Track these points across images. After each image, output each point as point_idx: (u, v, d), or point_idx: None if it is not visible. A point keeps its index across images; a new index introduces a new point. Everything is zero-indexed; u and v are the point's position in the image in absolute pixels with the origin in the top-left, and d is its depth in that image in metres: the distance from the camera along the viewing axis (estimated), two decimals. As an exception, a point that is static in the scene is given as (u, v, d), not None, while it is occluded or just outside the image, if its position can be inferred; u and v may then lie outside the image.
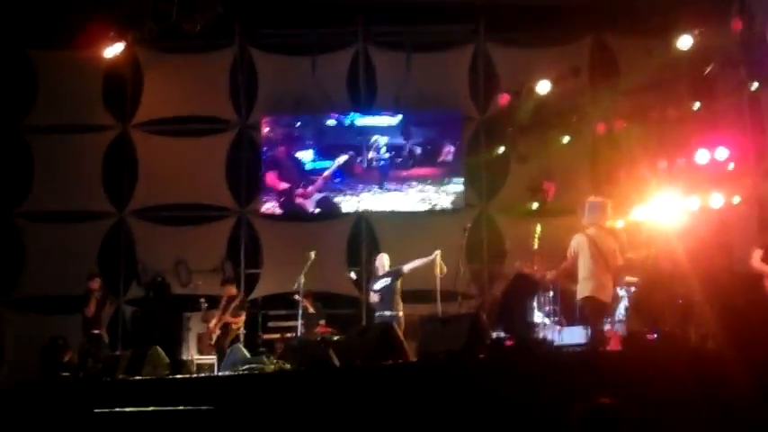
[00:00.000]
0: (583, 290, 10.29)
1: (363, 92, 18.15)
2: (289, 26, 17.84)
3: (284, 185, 17.66)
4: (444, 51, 18.07)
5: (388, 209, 17.60)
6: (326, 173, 17.64)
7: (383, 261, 13.15)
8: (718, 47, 14.05)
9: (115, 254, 17.59)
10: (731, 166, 14.44)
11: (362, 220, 17.75)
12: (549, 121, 16.47)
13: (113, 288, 16.98)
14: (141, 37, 15.25)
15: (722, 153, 14.29)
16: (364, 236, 17.83)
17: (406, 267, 12.72)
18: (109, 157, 17.83)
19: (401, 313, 12.52)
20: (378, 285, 12.80)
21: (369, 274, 17.48)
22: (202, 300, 15.33)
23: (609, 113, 16.29)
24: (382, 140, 17.67)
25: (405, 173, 17.67)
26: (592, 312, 10.28)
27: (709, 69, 14.31)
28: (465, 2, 16.98)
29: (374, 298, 12.81)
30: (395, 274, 12.72)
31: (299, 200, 17.64)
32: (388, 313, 12.43)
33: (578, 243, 10.49)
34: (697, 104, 15.11)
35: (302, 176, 17.73)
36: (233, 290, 14.76)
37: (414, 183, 17.63)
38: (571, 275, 10.87)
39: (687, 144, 14.94)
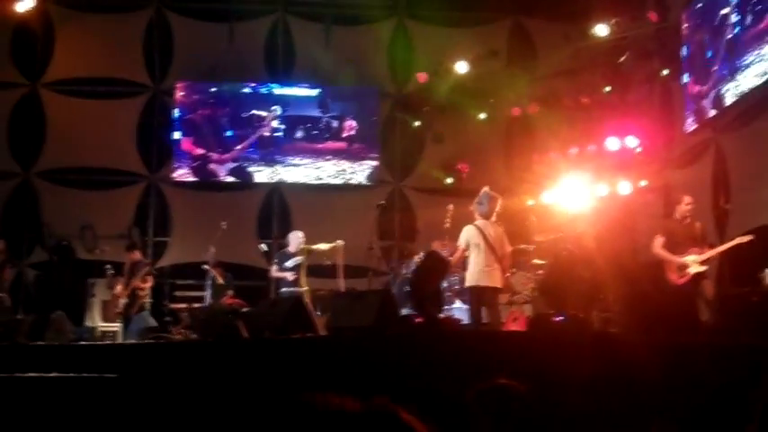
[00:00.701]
0: (472, 279, 10.79)
1: (281, 62, 17.99)
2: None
3: (199, 151, 17.45)
4: (364, 25, 18.01)
5: (301, 181, 17.50)
6: (246, 142, 17.48)
7: (298, 238, 13.26)
8: (633, 37, 14.34)
9: (19, 215, 17.15)
10: (639, 150, 14.77)
11: (275, 192, 17.64)
12: (465, 102, 16.62)
13: (17, 251, 16.56)
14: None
15: (632, 141, 14.60)
16: (276, 208, 17.74)
17: (314, 247, 13.06)
18: (16, 116, 17.35)
19: (306, 288, 12.81)
20: (291, 263, 12.91)
21: (280, 247, 17.48)
22: (108, 266, 15.04)
23: (524, 97, 16.50)
24: (279, 111, 17.58)
25: (320, 146, 17.60)
26: (486, 299, 10.59)
27: (623, 58, 14.59)
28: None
29: (286, 275, 12.91)
30: (305, 253, 12.98)
31: (212, 166, 17.45)
32: (294, 289, 12.66)
33: (468, 234, 11.02)
34: (608, 88, 15.40)
35: (219, 143, 17.54)
36: (137, 255, 14.49)
37: (329, 156, 17.57)
38: (463, 264, 11.26)
39: (598, 131, 15.23)
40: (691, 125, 13.45)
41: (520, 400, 3.96)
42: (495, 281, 10.81)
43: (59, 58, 17.43)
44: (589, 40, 14.46)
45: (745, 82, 11.72)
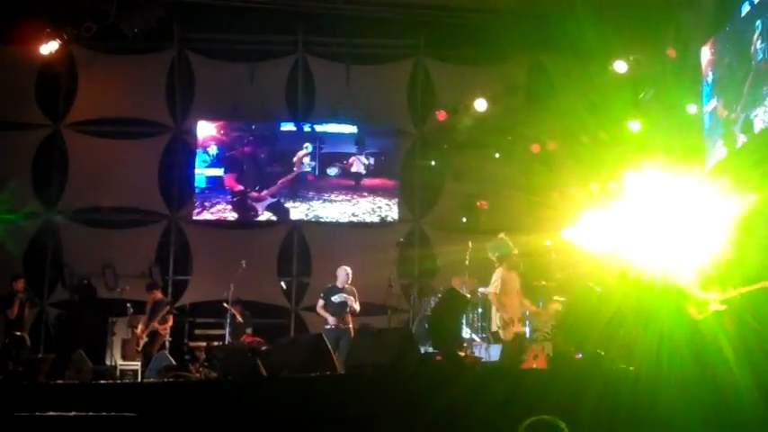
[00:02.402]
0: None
1: (301, 101, 18.09)
2: (229, 32, 17.71)
3: (240, 187, 17.51)
4: (383, 65, 18.10)
5: (336, 218, 17.52)
6: (285, 179, 17.54)
7: (346, 273, 13.35)
8: (652, 73, 14.34)
9: (41, 255, 17.24)
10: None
11: (295, 231, 17.67)
12: (484, 140, 16.64)
13: (38, 290, 16.66)
14: (78, 35, 15.06)
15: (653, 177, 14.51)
16: (296, 247, 17.75)
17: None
18: (39, 156, 17.51)
19: (349, 326, 12.99)
20: (337, 298, 13.05)
21: (300, 285, 17.47)
22: (129, 305, 15.12)
23: (543, 134, 16.49)
24: (310, 148, 17.65)
25: (355, 183, 17.66)
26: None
27: (644, 95, 14.57)
28: (405, 17, 17.05)
29: (327, 316, 13.03)
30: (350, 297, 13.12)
31: (251, 202, 17.52)
32: (342, 326, 12.88)
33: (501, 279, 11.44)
34: (637, 124, 15.36)
35: (258, 180, 17.62)
36: (158, 294, 14.57)
37: (365, 193, 17.61)
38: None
39: (619, 167, 15.16)
40: (718, 153, 13.21)
41: None
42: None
43: (82, 98, 17.61)
44: (608, 77, 14.45)
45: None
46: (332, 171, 17.62)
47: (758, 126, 11.75)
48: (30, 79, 17.30)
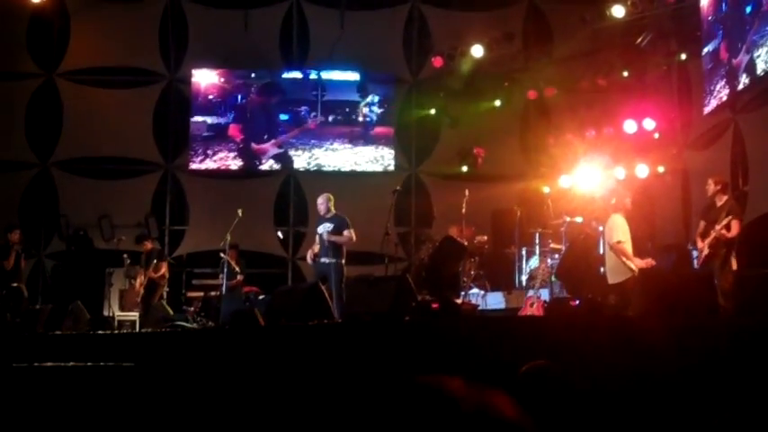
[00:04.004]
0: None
1: (296, 49, 17.93)
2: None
3: (243, 137, 17.46)
4: (379, 10, 17.92)
5: (339, 166, 17.49)
6: (296, 130, 17.46)
7: (322, 201, 12.33)
8: (650, 17, 14.19)
9: (37, 206, 17.21)
10: (657, 136, 14.65)
11: (291, 180, 17.62)
12: (480, 87, 16.53)
13: (34, 241, 16.64)
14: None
15: (649, 124, 14.49)
16: (292, 196, 17.72)
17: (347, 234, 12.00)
18: (33, 106, 17.39)
19: (343, 261, 11.96)
20: (320, 229, 12.12)
21: (297, 234, 17.47)
22: (125, 255, 15.12)
23: (540, 80, 16.40)
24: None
25: (358, 130, 17.58)
26: None
27: (640, 40, 14.45)
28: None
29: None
30: (338, 223, 11.96)
31: (256, 149, 17.50)
32: (327, 260, 11.88)
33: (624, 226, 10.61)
34: (625, 72, 15.27)
35: (265, 129, 17.57)
36: (149, 245, 14.59)
37: (367, 142, 17.56)
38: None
39: (616, 114, 15.12)
40: (717, 96, 13.07)
41: (563, 379, 4.11)
42: None
43: (75, 47, 17.44)
44: (606, 22, 14.30)
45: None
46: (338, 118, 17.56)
47: (760, 67, 11.66)
48: (21, 28, 17.15)
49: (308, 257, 12.39)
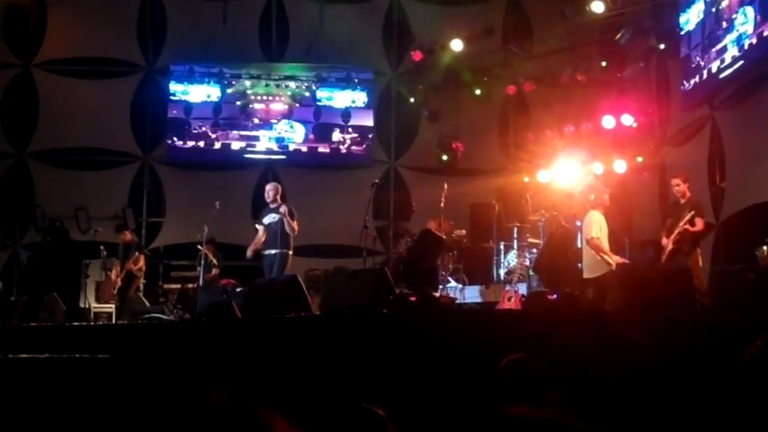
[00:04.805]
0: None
1: (275, 41, 17.87)
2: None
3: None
4: (358, 4, 17.88)
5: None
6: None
7: (269, 189, 12.18)
8: (629, 13, 14.24)
9: (12, 196, 17.06)
10: (635, 128, 14.70)
11: (269, 172, 17.56)
12: (460, 80, 16.54)
13: (10, 232, 16.52)
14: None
15: (628, 119, 14.54)
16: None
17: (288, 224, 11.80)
18: (8, 97, 17.26)
19: (290, 252, 11.86)
20: (267, 219, 12.02)
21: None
22: (102, 247, 15.02)
23: (519, 75, 16.42)
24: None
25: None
26: None
27: (619, 36, 14.49)
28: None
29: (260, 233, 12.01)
30: (288, 212, 11.80)
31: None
32: (273, 251, 11.84)
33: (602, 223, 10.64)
34: (603, 63, 15.31)
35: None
36: (128, 236, 14.52)
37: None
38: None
39: (594, 109, 15.16)
40: (690, 94, 13.18)
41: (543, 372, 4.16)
42: None
43: (52, 37, 17.32)
44: (585, 17, 14.33)
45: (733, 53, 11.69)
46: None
47: (734, 64, 11.75)
48: (-3, 17, 17.00)
49: (248, 252, 12.22)
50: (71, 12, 17.37)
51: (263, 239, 11.96)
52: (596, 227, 10.51)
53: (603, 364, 6.37)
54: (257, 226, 12.24)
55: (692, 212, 10.42)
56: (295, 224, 11.84)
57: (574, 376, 5.49)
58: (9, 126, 17.20)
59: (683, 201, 10.76)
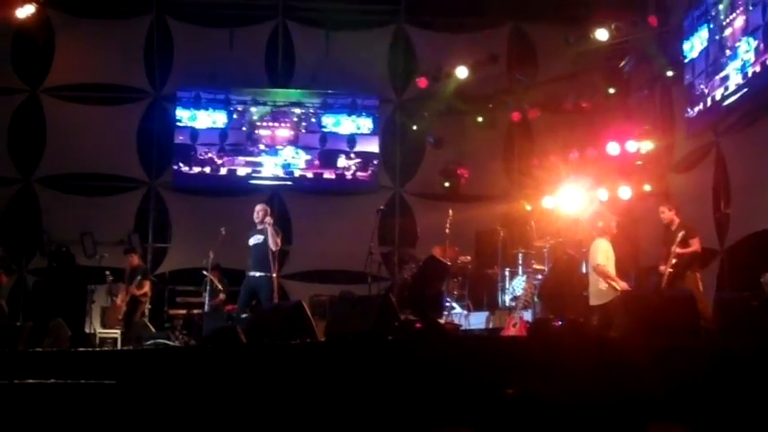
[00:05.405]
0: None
1: (281, 68, 17.97)
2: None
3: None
4: (364, 31, 17.99)
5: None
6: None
7: (257, 210, 12.16)
8: (634, 41, 14.31)
9: (19, 222, 17.14)
10: (643, 154, 14.72)
11: (275, 198, 17.61)
12: (465, 107, 16.61)
13: (16, 257, 16.57)
14: (54, -2, 14.85)
15: (632, 146, 14.56)
16: (277, 214, 17.67)
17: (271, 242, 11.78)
18: (16, 122, 17.36)
19: (275, 275, 11.83)
20: (252, 240, 12.07)
21: (281, 252, 17.42)
22: (107, 272, 15.05)
23: (524, 102, 16.48)
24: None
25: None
26: None
27: (624, 63, 14.56)
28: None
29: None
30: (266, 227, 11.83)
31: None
32: (258, 274, 11.89)
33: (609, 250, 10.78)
34: (611, 90, 15.36)
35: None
36: (135, 259, 14.56)
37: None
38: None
39: (599, 135, 15.19)
40: (695, 121, 13.26)
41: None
42: None
43: (60, 63, 17.45)
44: (589, 45, 14.41)
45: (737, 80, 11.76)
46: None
47: (738, 92, 11.81)
48: (5, 43, 17.14)
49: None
50: (79, 38, 17.49)
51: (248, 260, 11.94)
52: (602, 255, 10.58)
53: (609, 391, 6.36)
54: None
55: (683, 233, 10.51)
56: (279, 240, 11.85)
57: (579, 403, 5.50)
58: (16, 151, 17.29)
59: (673, 227, 10.85)
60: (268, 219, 11.86)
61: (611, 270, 10.56)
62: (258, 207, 12.23)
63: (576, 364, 6.86)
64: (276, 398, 7.34)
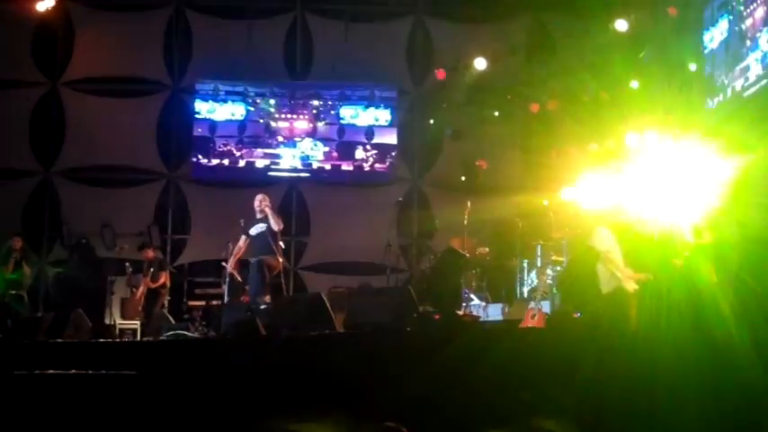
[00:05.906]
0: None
1: (299, 60, 17.98)
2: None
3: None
4: (382, 23, 17.97)
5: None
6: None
7: (264, 202, 12.18)
8: (653, 31, 14.23)
9: (39, 214, 17.24)
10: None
11: (294, 190, 17.64)
12: (483, 99, 16.56)
13: (36, 249, 16.67)
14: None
15: (652, 137, 14.46)
16: (294, 205, 17.72)
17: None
18: (36, 115, 17.44)
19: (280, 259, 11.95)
20: (254, 230, 12.07)
21: (298, 244, 17.46)
22: (127, 264, 15.12)
23: (543, 93, 16.41)
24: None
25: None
26: None
27: (643, 54, 14.47)
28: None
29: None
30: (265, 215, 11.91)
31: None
32: (253, 260, 11.91)
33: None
34: (635, 83, 15.27)
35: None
36: (150, 253, 14.64)
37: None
38: None
39: (618, 127, 15.11)
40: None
41: None
42: None
43: (79, 56, 17.51)
44: (609, 36, 14.34)
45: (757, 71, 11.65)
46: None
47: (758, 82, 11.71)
48: (26, 37, 17.21)
49: (229, 267, 12.35)
50: (98, 31, 17.55)
51: (247, 249, 12.07)
52: (599, 242, 10.46)
53: (628, 381, 6.36)
54: (242, 237, 12.22)
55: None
56: (279, 220, 11.97)
57: (599, 394, 5.50)
58: (36, 144, 17.38)
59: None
60: (266, 203, 11.91)
61: (617, 258, 10.40)
62: (259, 197, 12.27)
63: (593, 354, 6.86)
64: (295, 388, 7.37)
